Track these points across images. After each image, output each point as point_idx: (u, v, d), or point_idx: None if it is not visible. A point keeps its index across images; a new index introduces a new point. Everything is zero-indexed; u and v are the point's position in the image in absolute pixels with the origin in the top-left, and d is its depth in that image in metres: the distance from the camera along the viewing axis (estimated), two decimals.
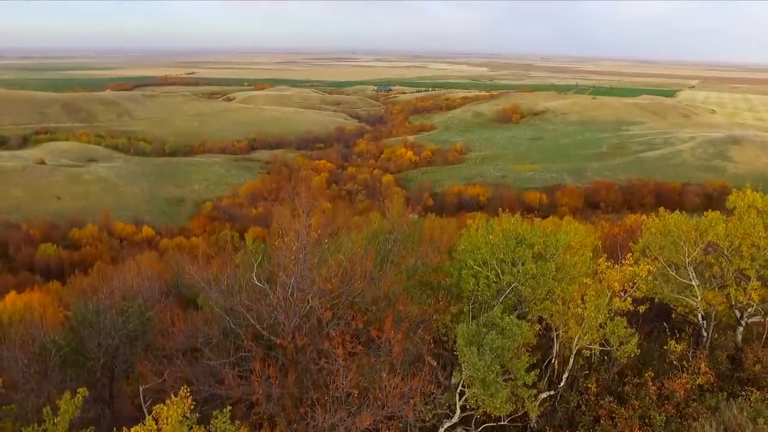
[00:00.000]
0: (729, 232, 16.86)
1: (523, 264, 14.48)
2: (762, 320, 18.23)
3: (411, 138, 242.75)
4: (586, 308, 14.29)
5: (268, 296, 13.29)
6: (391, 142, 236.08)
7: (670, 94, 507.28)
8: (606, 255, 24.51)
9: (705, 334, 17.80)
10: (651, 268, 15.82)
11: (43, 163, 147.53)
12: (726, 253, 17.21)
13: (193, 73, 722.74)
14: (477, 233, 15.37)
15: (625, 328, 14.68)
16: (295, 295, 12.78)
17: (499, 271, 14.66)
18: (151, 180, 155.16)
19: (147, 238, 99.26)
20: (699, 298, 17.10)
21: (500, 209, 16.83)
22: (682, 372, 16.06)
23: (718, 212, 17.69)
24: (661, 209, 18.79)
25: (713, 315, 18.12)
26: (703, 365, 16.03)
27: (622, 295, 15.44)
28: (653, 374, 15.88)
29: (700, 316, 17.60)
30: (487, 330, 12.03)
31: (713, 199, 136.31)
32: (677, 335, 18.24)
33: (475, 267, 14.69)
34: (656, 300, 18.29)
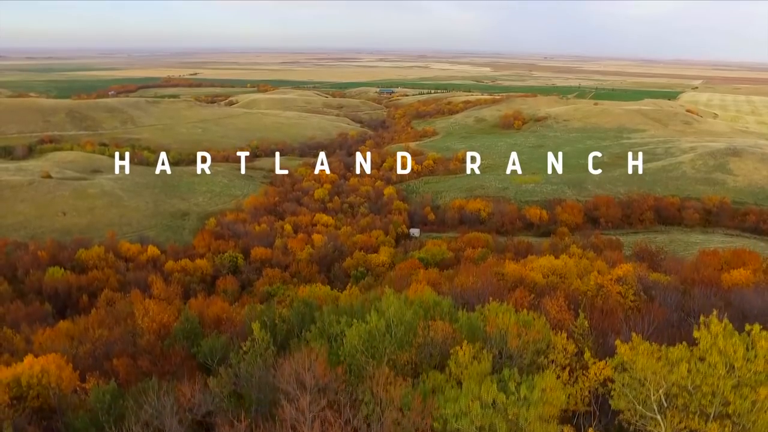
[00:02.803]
0: (691, 369, 18.24)
1: None
2: None
3: (413, 144, 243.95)
4: None
5: None
6: (393, 148, 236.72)
7: (673, 95, 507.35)
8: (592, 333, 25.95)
9: None
10: None
11: (48, 176, 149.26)
12: (689, 387, 18.57)
13: (196, 73, 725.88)
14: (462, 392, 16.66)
15: None
16: None
17: None
18: (155, 192, 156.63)
19: (152, 257, 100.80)
20: (663, 429, 18.47)
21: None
22: None
23: (685, 344, 19.06)
24: (633, 335, 20.21)
25: None
26: None
27: None
28: None
29: None
30: None
31: (712, 214, 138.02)
32: None
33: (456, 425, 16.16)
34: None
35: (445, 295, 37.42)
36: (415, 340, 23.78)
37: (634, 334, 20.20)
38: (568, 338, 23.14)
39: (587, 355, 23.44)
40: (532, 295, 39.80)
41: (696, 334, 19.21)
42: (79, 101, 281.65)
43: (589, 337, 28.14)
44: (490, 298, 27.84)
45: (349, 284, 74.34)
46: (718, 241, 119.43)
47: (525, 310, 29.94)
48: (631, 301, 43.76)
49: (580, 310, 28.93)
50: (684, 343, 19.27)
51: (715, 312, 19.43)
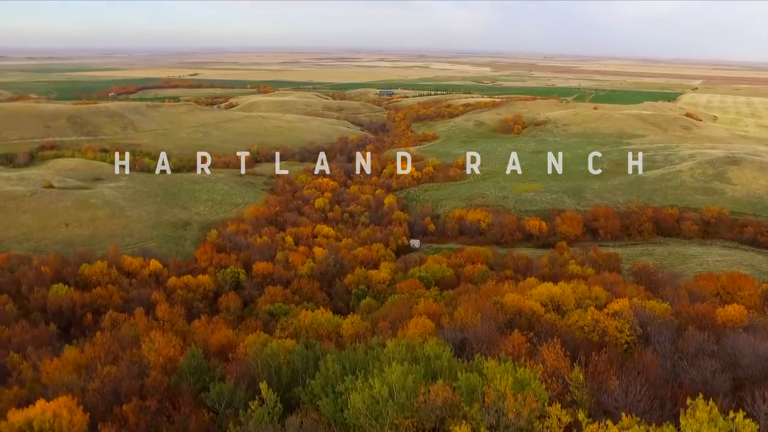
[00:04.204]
0: None
1: None
2: None
3: (413, 149, 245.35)
4: None
5: None
6: (393, 153, 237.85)
7: (672, 97, 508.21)
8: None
9: None
10: None
11: (50, 186, 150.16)
12: None
13: (196, 74, 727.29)
14: None
15: None
16: None
17: None
18: (157, 201, 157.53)
19: (154, 272, 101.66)
20: None
21: None
22: None
23: (672, 428, 20.05)
24: (623, 416, 21.20)
25: None
26: None
27: None
28: None
29: None
30: None
31: (710, 225, 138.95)
32: None
33: None
34: None
35: (446, 338, 38.48)
36: (416, 401, 24.83)
37: (624, 415, 21.23)
38: (563, 406, 24.10)
39: (581, 415, 24.44)
40: (531, 334, 40.92)
41: (683, 421, 20.21)
42: (80, 106, 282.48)
43: (584, 389, 29.15)
44: (488, 358, 28.88)
45: (350, 305, 75.36)
46: (716, 254, 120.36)
47: (523, 359, 30.93)
48: (628, 335, 44.96)
49: (575, 364, 29.94)
50: (671, 426, 20.26)
51: (700, 396, 20.43)
